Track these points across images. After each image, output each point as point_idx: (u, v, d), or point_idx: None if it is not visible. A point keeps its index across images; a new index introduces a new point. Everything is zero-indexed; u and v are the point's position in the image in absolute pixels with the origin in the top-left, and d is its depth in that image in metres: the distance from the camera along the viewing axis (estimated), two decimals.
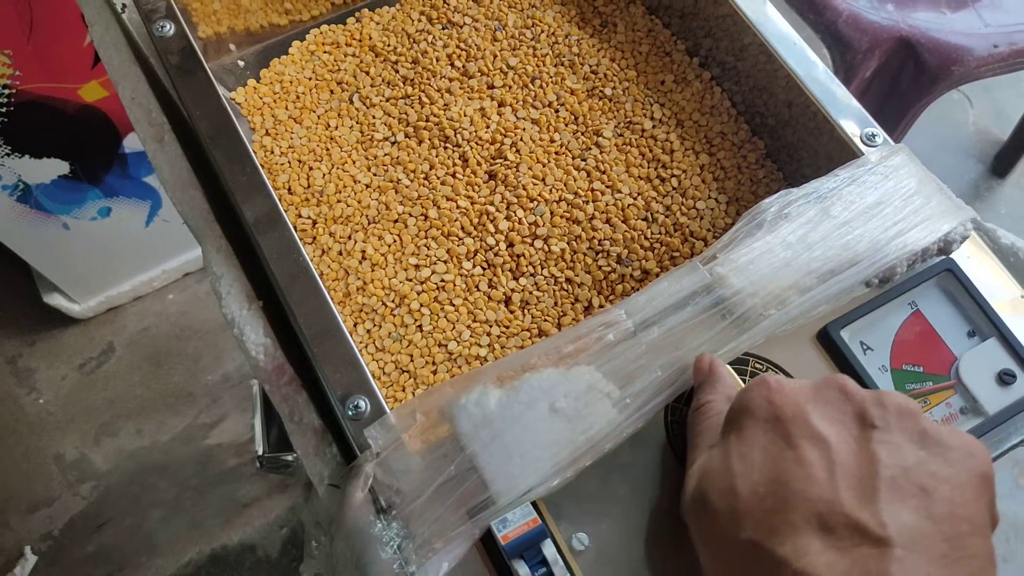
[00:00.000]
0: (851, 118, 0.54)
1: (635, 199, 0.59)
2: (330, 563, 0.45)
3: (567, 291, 0.56)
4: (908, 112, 1.18)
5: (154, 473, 1.49)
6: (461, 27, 0.66)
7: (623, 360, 0.44)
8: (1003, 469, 0.54)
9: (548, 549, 0.41)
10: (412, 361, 0.54)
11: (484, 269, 0.57)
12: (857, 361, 0.47)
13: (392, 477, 0.42)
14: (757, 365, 0.47)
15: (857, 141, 0.52)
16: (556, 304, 0.56)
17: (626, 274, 0.56)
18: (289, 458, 0.84)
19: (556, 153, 0.61)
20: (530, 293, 0.56)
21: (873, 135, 0.52)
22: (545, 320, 0.55)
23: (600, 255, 0.57)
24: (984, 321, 0.48)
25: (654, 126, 0.62)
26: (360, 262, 0.57)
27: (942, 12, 1.21)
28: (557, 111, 0.63)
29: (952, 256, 0.49)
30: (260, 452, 0.83)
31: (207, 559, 1.42)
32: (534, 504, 0.42)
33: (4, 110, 1.15)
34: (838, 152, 0.55)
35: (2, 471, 1.50)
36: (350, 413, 0.45)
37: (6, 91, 1.13)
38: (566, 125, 0.63)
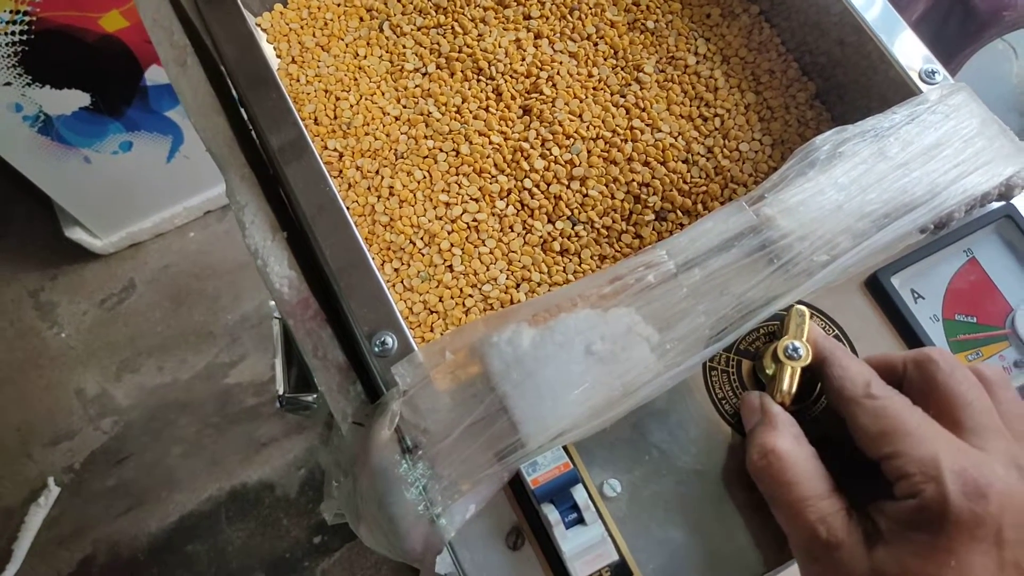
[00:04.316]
0: (909, 54, 0.51)
1: (676, 139, 0.56)
2: (352, 502, 0.44)
3: (608, 239, 0.54)
4: (954, 59, 1.14)
5: (175, 410, 1.50)
6: None
7: (663, 303, 0.42)
8: None
9: (579, 494, 0.40)
10: (442, 302, 0.52)
11: (518, 210, 0.55)
12: (908, 310, 0.44)
13: (419, 416, 0.41)
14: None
15: (915, 78, 0.49)
16: (601, 261, 0.53)
17: (662, 231, 0.54)
18: (309, 399, 0.83)
19: (594, 88, 0.59)
20: (568, 240, 0.54)
21: (933, 72, 0.49)
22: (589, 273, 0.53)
23: (638, 204, 0.54)
24: None
25: (698, 62, 0.59)
26: (388, 198, 0.55)
27: None
28: (596, 44, 0.60)
29: (1012, 202, 0.47)
30: (281, 392, 0.82)
31: (227, 496, 1.44)
32: (565, 449, 0.41)
33: (25, 38, 1.13)
34: (892, 93, 0.51)
35: (25, 404, 1.51)
36: (376, 350, 0.43)
37: (27, 18, 1.11)
38: (605, 59, 0.60)
